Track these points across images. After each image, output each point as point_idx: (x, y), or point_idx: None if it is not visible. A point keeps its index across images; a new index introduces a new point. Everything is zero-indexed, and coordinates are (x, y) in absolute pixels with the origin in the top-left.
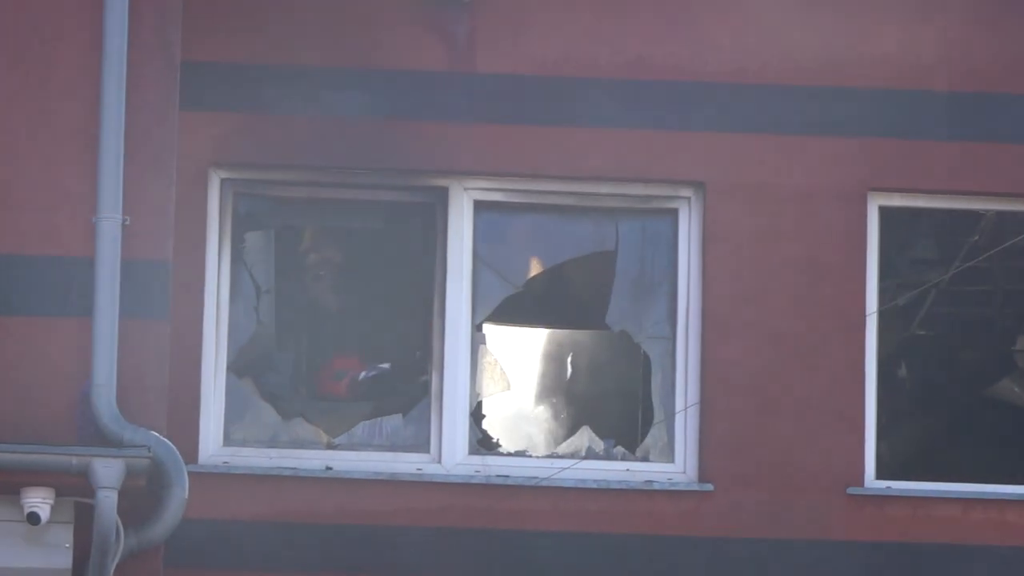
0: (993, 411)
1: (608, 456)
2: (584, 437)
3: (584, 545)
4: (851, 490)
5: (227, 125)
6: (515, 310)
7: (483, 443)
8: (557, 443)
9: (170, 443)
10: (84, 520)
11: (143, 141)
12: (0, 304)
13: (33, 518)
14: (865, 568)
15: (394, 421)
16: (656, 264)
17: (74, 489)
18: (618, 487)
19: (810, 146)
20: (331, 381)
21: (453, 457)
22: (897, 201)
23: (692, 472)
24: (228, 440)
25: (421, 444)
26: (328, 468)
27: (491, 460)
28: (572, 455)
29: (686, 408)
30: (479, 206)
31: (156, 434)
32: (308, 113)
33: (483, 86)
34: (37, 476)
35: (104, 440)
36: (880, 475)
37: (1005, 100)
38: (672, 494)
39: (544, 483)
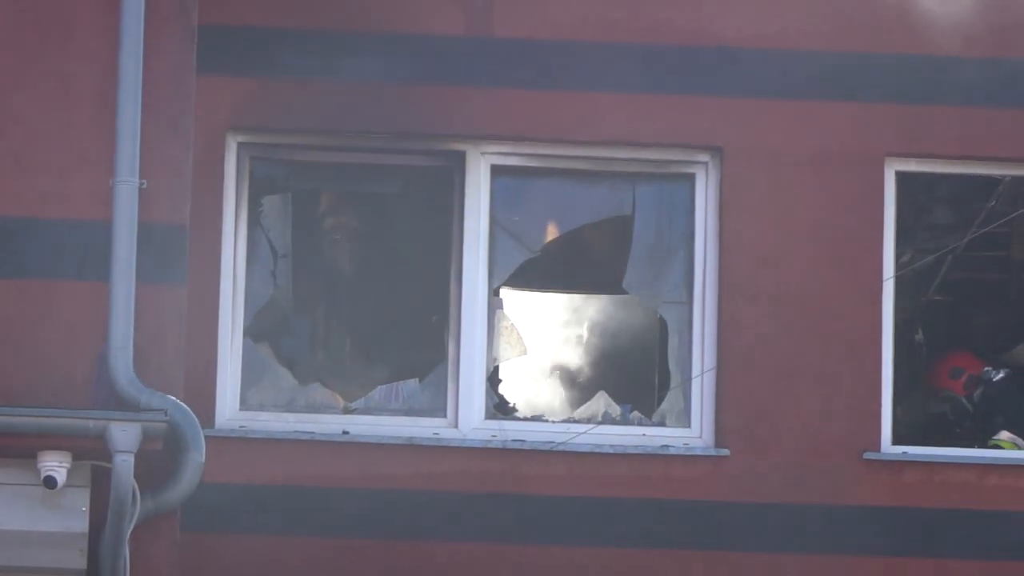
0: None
1: (624, 421)
2: (600, 402)
3: (600, 510)
4: (867, 455)
5: (244, 89)
6: (532, 275)
7: (500, 408)
8: (573, 408)
9: (187, 407)
10: (101, 484)
11: (160, 104)
12: (17, 267)
13: (50, 482)
14: (881, 533)
15: (411, 386)
16: (673, 229)
17: (91, 453)
18: (634, 452)
19: (828, 111)
20: (948, 379)
21: (470, 422)
22: (914, 166)
23: (708, 437)
24: (245, 404)
25: (438, 409)
26: (345, 432)
27: (508, 425)
28: (588, 420)
29: (702, 373)
30: (496, 171)
31: (173, 398)
32: (325, 77)
33: (501, 50)
34: (54, 440)
35: (121, 404)
36: (897, 440)
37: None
38: (688, 459)
39: (560, 448)
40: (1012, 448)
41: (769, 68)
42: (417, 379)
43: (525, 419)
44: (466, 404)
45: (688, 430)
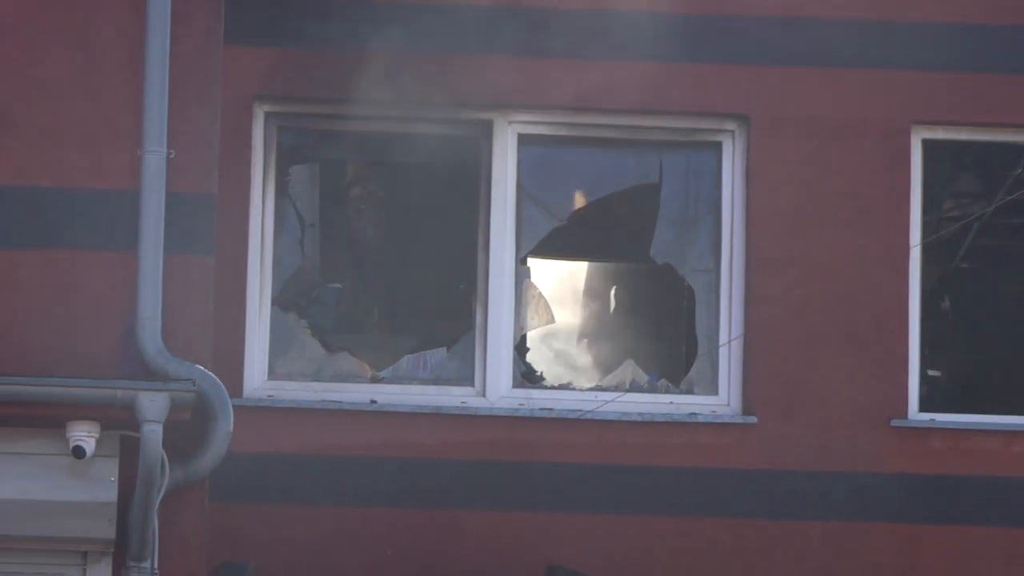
0: None
1: (652, 389)
2: (628, 370)
3: (627, 478)
4: (895, 423)
5: (271, 59)
6: (559, 243)
7: (527, 376)
8: (601, 376)
9: (215, 377)
10: (129, 454)
11: (188, 75)
12: (46, 238)
13: (78, 451)
14: (908, 500)
15: (438, 355)
16: (700, 197)
17: (119, 423)
18: (662, 420)
19: (854, 79)
20: None
21: (497, 390)
22: (941, 134)
23: (736, 405)
24: (272, 374)
25: (465, 378)
26: (372, 402)
27: (535, 393)
28: (616, 388)
29: (730, 341)
30: (523, 139)
31: (201, 368)
32: (352, 47)
33: (527, 19)
34: (82, 410)
35: (149, 374)
36: (924, 408)
37: None
38: (716, 427)
39: (588, 416)
40: None
41: (796, 36)
42: (445, 348)
43: (553, 388)
44: (494, 373)
45: (716, 398)
